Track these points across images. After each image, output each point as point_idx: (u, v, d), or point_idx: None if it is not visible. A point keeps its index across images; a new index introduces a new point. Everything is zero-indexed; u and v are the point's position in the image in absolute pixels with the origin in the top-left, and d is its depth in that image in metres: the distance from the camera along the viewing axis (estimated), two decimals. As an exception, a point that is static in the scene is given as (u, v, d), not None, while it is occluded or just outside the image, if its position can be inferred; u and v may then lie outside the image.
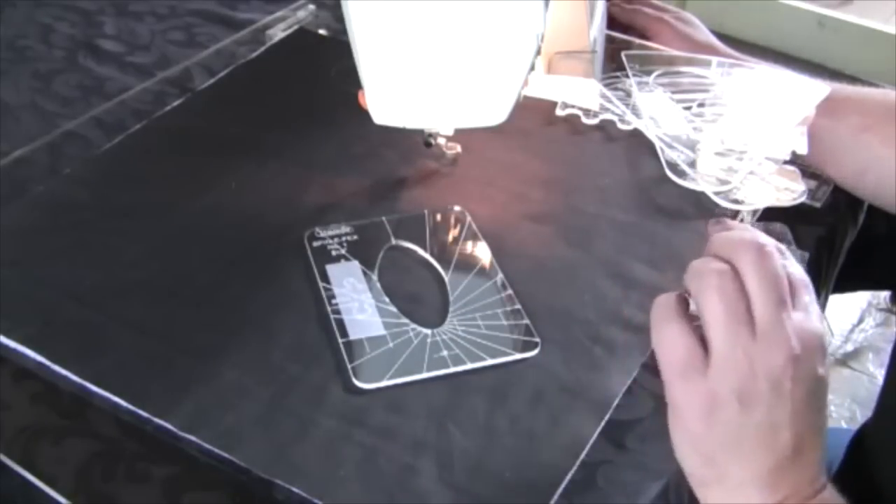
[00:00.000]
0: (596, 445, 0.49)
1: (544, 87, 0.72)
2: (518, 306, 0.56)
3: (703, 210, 0.63)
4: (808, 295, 0.44)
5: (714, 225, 0.49)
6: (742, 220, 0.62)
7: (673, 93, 0.71)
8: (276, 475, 0.46)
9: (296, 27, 0.83)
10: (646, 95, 0.71)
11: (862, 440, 0.63)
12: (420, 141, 0.65)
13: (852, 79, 0.72)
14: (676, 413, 0.44)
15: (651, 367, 0.54)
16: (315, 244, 0.60)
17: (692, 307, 0.45)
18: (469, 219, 0.62)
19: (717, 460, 0.43)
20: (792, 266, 0.45)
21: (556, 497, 0.46)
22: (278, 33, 0.81)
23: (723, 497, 0.43)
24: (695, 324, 0.44)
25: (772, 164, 0.65)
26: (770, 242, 0.44)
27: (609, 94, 0.72)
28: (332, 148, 0.69)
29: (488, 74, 0.58)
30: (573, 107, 0.73)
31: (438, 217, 0.63)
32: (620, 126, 0.71)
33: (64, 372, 0.51)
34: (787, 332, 0.42)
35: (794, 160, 0.65)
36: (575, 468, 0.47)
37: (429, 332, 0.54)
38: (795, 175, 0.65)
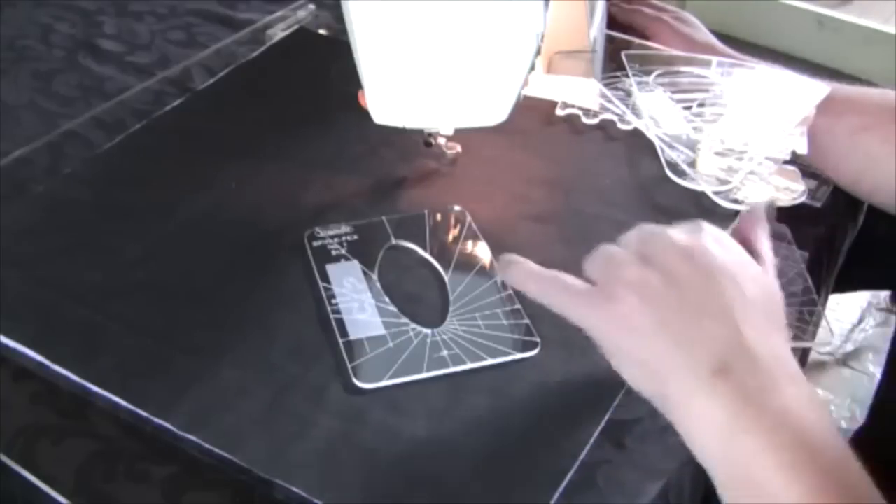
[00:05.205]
0: (596, 445, 0.49)
1: (544, 87, 0.72)
2: (518, 306, 0.56)
3: (703, 210, 0.63)
4: None
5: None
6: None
7: (673, 93, 0.71)
8: (276, 475, 0.46)
9: (296, 27, 0.83)
10: (646, 95, 0.71)
11: (860, 440, 0.63)
12: (420, 141, 0.65)
13: (852, 79, 0.72)
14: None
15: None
16: (315, 244, 0.60)
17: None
18: (469, 219, 0.62)
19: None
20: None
21: (556, 497, 0.46)
22: (278, 33, 0.81)
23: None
24: None
25: (772, 164, 0.65)
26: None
27: (609, 94, 0.72)
28: (331, 148, 0.69)
29: (488, 74, 0.58)
30: (573, 107, 0.73)
31: (438, 217, 0.63)
32: (620, 126, 0.71)
33: (64, 372, 0.51)
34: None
35: (794, 160, 0.65)
36: (575, 468, 0.47)
37: (429, 331, 0.54)
38: (795, 175, 0.65)
